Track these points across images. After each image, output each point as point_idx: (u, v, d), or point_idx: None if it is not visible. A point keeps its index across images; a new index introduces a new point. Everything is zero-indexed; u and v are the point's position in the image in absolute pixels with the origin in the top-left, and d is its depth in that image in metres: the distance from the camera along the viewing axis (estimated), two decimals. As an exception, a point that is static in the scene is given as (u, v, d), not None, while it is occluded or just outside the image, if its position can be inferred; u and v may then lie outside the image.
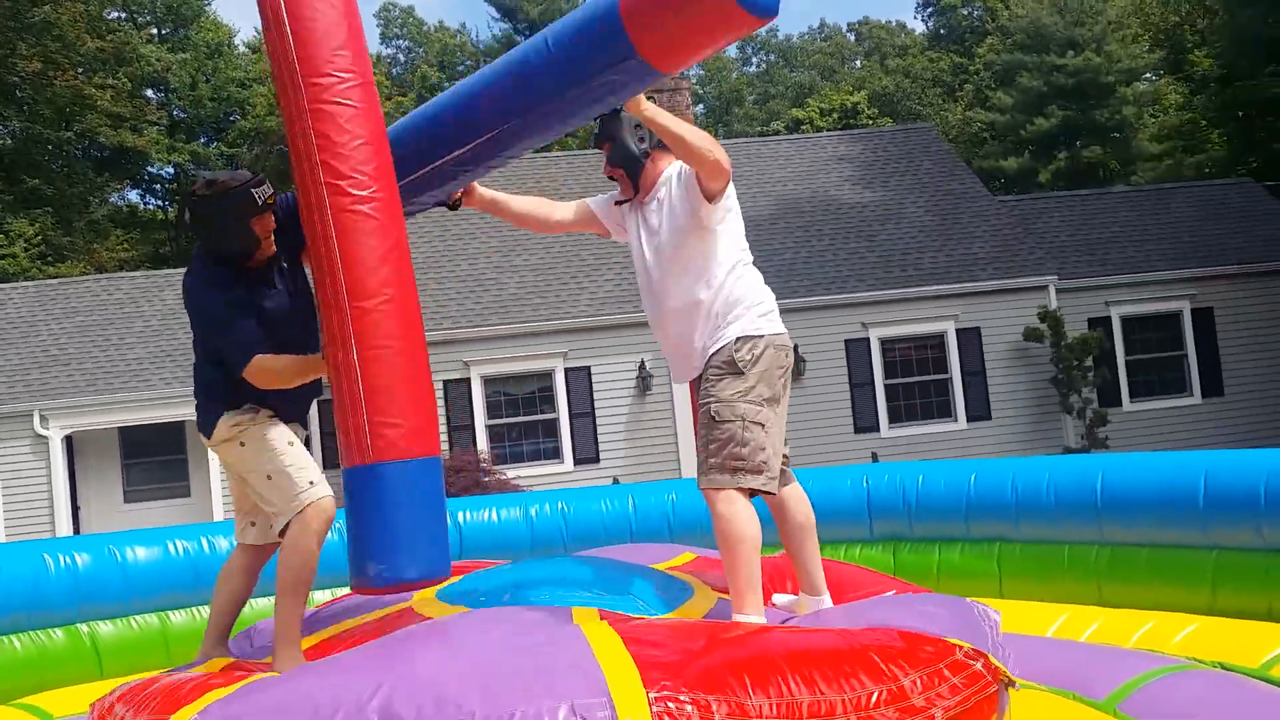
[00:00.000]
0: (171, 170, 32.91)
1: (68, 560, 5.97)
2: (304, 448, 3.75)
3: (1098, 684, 3.87)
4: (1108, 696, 3.74)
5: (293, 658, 3.49)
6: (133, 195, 34.28)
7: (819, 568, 3.77)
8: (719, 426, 3.41)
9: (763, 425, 3.40)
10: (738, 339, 3.45)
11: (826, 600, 3.75)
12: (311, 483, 3.60)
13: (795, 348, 16.18)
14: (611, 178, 3.71)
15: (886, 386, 16.45)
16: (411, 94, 38.82)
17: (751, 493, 3.44)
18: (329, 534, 3.70)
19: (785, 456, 3.69)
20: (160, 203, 34.97)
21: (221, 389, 3.68)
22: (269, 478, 3.61)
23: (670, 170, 3.63)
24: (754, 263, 3.65)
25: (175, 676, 3.32)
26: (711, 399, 3.46)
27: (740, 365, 3.42)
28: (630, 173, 3.65)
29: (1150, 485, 5.19)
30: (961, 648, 3.01)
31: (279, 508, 3.60)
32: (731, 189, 3.54)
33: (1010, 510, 5.93)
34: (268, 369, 3.56)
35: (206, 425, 3.75)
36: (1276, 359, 17.73)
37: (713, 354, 3.50)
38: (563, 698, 2.47)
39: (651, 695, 2.49)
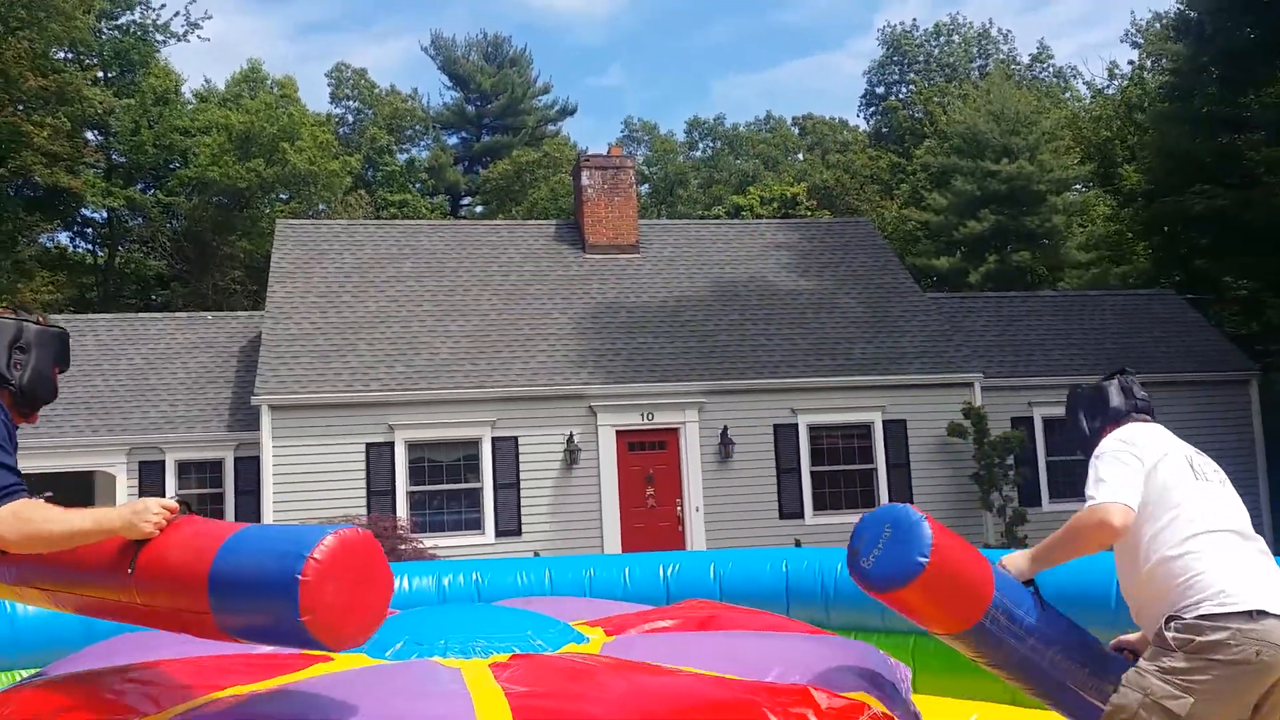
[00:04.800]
0: (105, 214, 32.33)
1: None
2: None
3: None
4: None
5: None
6: (63, 237, 33.60)
7: None
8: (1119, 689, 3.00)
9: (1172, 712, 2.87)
10: (1171, 616, 2.98)
11: None
12: None
13: (724, 430, 16.25)
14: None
15: (813, 474, 16.49)
16: (359, 154, 38.78)
17: None
18: None
19: None
20: (91, 246, 34.30)
21: None
22: None
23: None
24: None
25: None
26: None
27: (1170, 640, 2.94)
28: (1084, 451, 3.47)
29: (1072, 586, 5.19)
30: (869, 707, 2.89)
31: None
32: (1152, 488, 3.11)
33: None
34: (19, 519, 2.80)
35: None
36: (1191, 468, 18.10)
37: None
38: None
39: None
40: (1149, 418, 3.41)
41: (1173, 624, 2.91)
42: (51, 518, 2.78)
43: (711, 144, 49.48)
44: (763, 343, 17.36)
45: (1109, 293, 22.90)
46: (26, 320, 3.07)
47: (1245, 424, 18.60)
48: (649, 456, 16.29)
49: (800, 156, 46.04)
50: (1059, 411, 17.90)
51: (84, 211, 32.04)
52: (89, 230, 33.78)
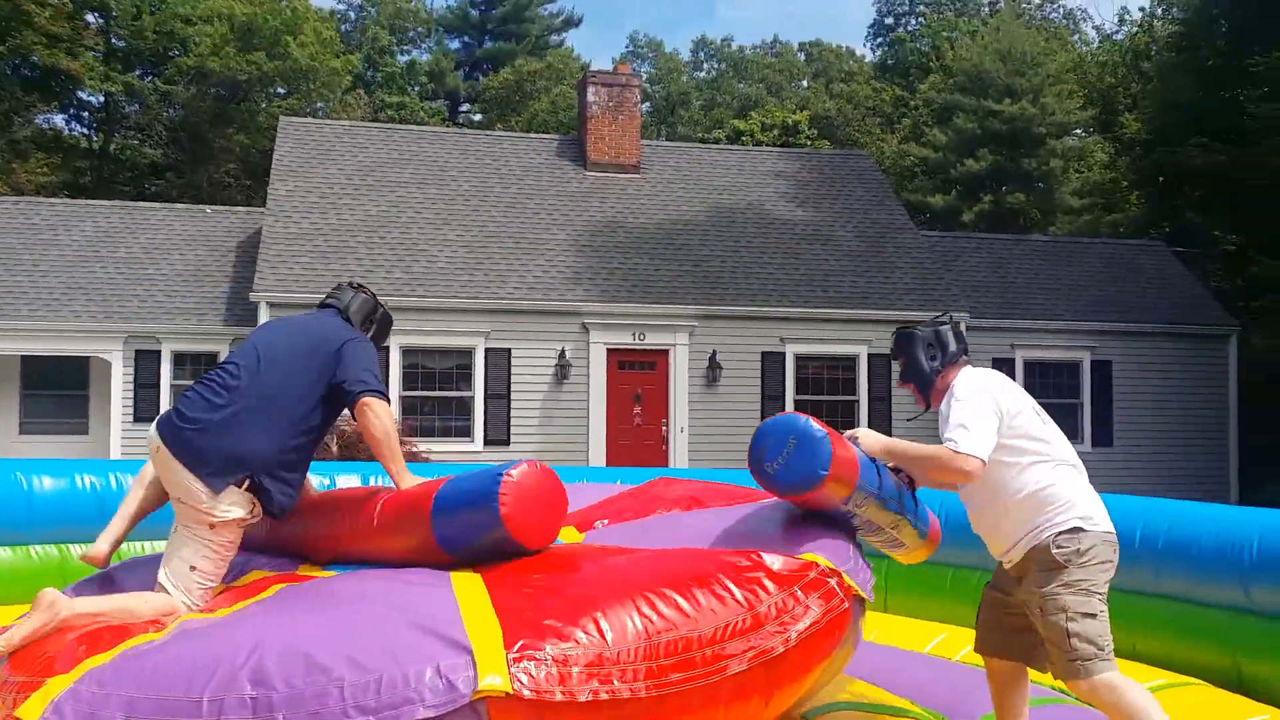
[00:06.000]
0: (102, 99, 32.00)
1: (-26, 483, 5.96)
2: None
3: (965, 707, 4.15)
4: (975, 723, 4.02)
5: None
6: (59, 119, 33.29)
7: None
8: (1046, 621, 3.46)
9: (1092, 615, 3.45)
10: (1051, 538, 3.48)
11: None
12: (205, 598, 3.68)
13: (713, 354, 16.55)
14: (904, 388, 3.96)
15: (796, 402, 16.86)
16: (359, 53, 38.34)
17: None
18: None
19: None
20: (87, 130, 33.99)
21: (290, 462, 3.73)
22: (192, 568, 3.62)
23: (955, 377, 3.76)
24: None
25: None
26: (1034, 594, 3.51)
27: (1061, 559, 3.45)
28: (920, 388, 3.84)
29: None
30: (817, 565, 3.17)
31: (177, 585, 3.62)
32: (1007, 418, 3.58)
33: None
34: (388, 412, 3.82)
35: (215, 478, 3.59)
36: (1164, 416, 18.59)
37: (1028, 551, 3.55)
38: (427, 661, 2.59)
39: (511, 654, 2.62)
40: (969, 360, 3.87)
41: (1057, 543, 3.46)
42: (391, 426, 3.79)
43: (717, 65, 49.02)
44: (756, 271, 17.59)
45: (1098, 240, 23.14)
46: (380, 303, 4.21)
47: (1221, 379, 19.01)
48: (638, 376, 16.62)
49: (805, 84, 45.68)
50: (1040, 356, 18.32)
51: (81, 95, 31.71)
52: (85, 114, 33.46)
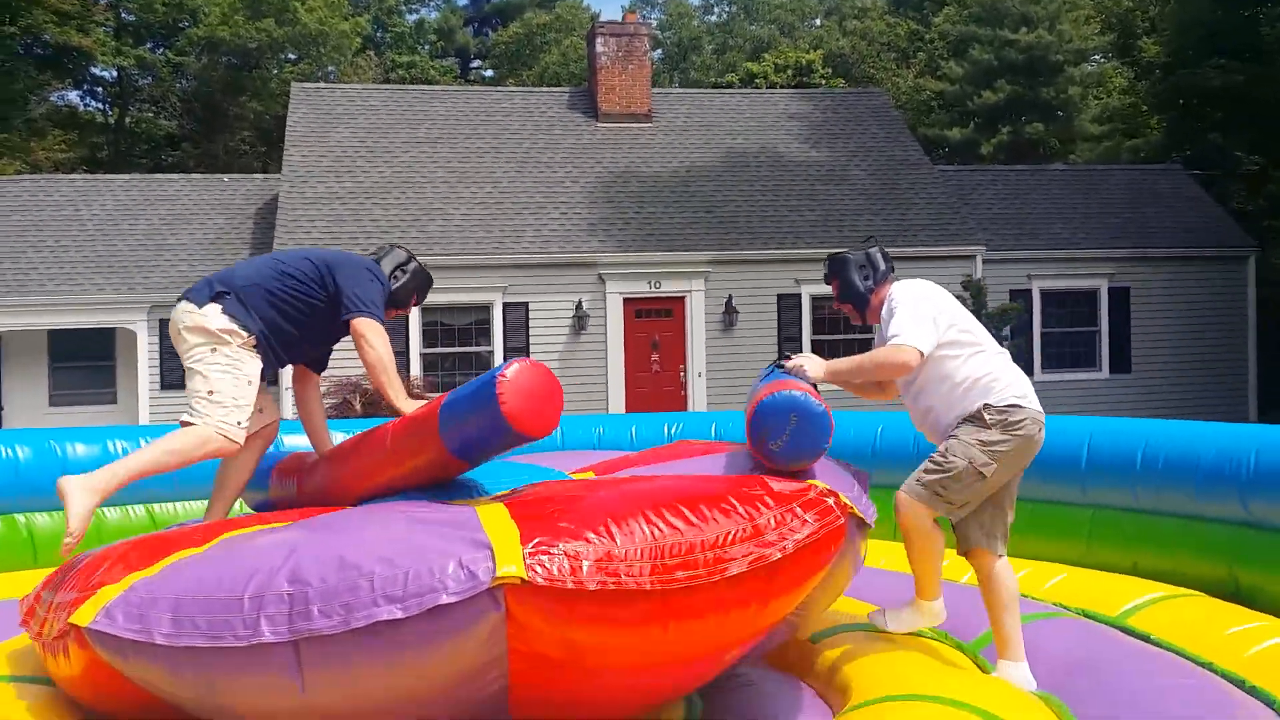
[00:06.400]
0: (115, 73, 32.12)
1: (9, 452, 6.17)
2: (256, 391, 4.11)
3: (969, 626, 4.29)
4: (975, 640, 4.16)
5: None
6: (73, 96, 33.49)
7: (1019, 635, 3.83)
8: (946, 457, 3.75)
9: (982, 479, 3.71)
10: (984, 404, 3.79)
11: (1024, 670, 3.76)
12: (240, 424, 4.00)
13: (729, 298, 16.62)
14: (841, 309, 4.23)
15: (813, 342, 16.93)
16: (367, 15, 38.21)
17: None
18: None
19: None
20: (101, 105, 34.17)
21: (266, 300, 4.07)
22: (210, 392, 3.95)
23: (888, 291, 4.04)
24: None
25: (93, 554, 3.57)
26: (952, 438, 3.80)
27: (989, 420, 3.75)
28: (857, 306, 4.13)
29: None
30: (816, 486, 3.40)
31: (201, 414, 3.95)
32: (942, 318, 3.87)
33: (911, 461, 6.36)
34: (382, 338, 4.09)
35: (200, 297, 4.03)
36: (1182, 341, 18.54)
37: (961, 420, 3.84)
38: (451, 556, 2.84)
39: (527, 549, 2.85)
40: (898, 277, 4.14)
41: (989, 408, 3.75)
42: (386, 353, 4.10)
43: (727, 8, 48.43)
44: (770, 214, 17.58)
45: (1115, 166, 22.91)
46: (415, 258, 4.51)
47: (1240, 300, 18.92)
48: (655, 324, 16.73)
49: (817, 22, 45.11)
50: (1057, 285, 18.28)
51: (94, 70, 31.86)
52: (99, 90, 33.62)
